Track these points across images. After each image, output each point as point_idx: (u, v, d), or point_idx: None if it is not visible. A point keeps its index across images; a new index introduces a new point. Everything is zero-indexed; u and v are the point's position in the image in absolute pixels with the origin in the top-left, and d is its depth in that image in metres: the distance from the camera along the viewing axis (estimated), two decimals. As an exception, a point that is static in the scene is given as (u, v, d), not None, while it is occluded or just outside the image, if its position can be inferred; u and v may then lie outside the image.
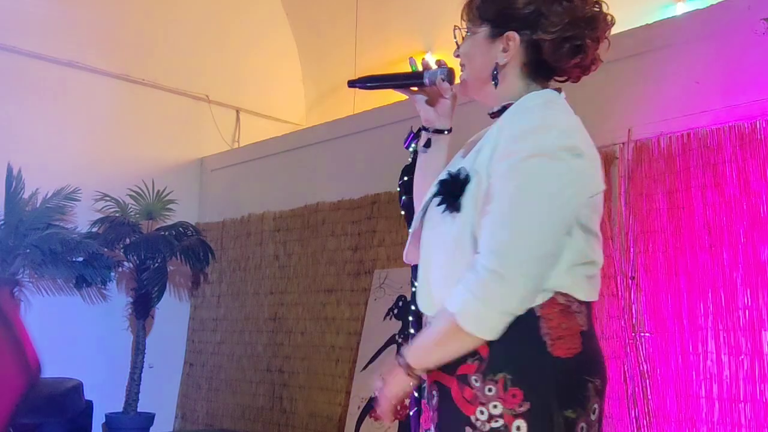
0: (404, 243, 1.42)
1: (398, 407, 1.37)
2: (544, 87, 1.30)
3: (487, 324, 1.12)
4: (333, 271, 4.74)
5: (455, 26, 1.38)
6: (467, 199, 1.19)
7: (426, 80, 1.41)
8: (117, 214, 5.15)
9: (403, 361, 1.23)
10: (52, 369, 4.52)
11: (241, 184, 5.74)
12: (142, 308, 5.08)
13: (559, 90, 1.31)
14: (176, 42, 5.81)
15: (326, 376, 4.60)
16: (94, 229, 5.04)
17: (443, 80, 1.39)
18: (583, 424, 1.15)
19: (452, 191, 1.21)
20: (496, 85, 1.28)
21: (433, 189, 1.28)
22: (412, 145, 2.31)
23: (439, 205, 1.24)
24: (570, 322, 1.16)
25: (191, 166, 5.98)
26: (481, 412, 1.13)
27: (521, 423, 1.11)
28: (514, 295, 1.11)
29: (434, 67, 1.42)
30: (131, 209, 5.24)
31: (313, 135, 5.26)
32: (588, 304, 1.21)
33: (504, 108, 1.29)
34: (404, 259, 1.40)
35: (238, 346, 5.32)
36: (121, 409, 5.01)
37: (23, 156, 4.63)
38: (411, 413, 2.15)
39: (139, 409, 5.02)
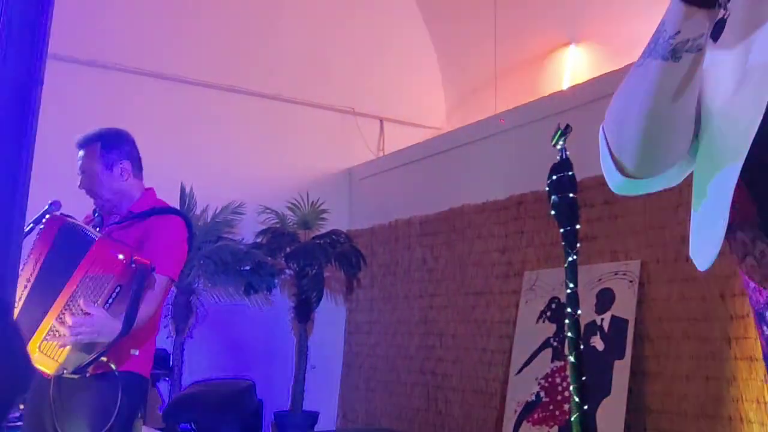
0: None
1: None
2: None
3: None
4: (481, 273, 4.71)
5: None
6: None
7: None
8: (277, 225, 5.52)
9: None
10: (227, 370, 4.96)
11: (387, 191, 5.90)
12: (303, 312, 5.39)
13: None
14: (323, 61, 6.13)
15: (479, 379, 4.58)
16: (258, 240, 5.43)
17: None
18: None
19: None
20: None
21: None
22: (560, 142, 2.25)
23: None
24: None
25: (341, 176, 6.26)
26: None
27: None
28: None
29: None
30: (289, 220, 5.59)
31: (455, 138, 5.28)
32: None
33: None
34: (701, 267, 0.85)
35: (392, 348, 5.46)
36: (287, 408, 5.34)
37: (194, 175, 5.11)
38: (572, 419, 2.09)
39: (304, 408, 5.32)
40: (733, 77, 0.73)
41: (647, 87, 0.74)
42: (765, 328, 0.82)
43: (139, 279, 1.88)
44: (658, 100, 0.74)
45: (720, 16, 0.71)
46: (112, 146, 2.16)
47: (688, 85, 0.73)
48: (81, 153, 2.17)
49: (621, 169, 0.83)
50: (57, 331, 1.87)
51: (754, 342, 3.10)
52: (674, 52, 0.71)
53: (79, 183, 2.16)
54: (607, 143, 0.83)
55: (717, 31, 0.72)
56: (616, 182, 0.85)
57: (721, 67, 0.75)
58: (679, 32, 0.71)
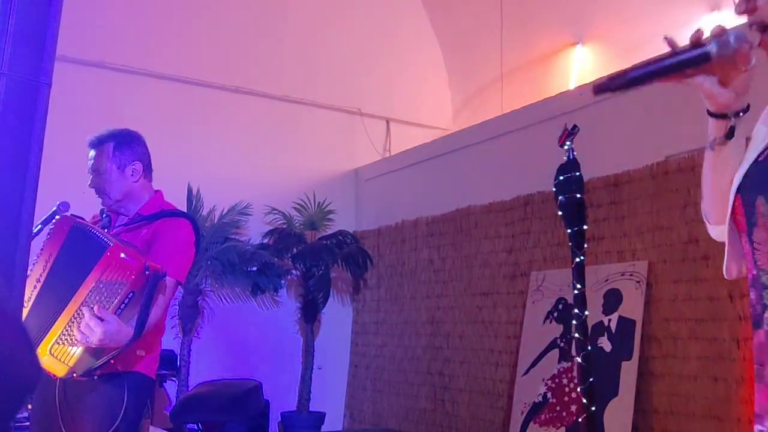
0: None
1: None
2: None
3: None
4: (488, 273, 4.71)
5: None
6: None
7: (714, 52, 1.01)
8: (284, 226, 5.53)
9: None
10: (234, 371, 4.97)
11: (394, 192, 5.90)
12: (310, 313, 5.40)
13: None
14: (329, 62, 6.14)
15: (487, 379, 4.57)
16: (265, 241, 5.45)
17: (745, 45, 1.01)
18: None
19: None
20: None
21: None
22: (567, 143, 2.24)
23: None
24: None
25: (347, 177, 6.26)
26: None
27: None
28: None
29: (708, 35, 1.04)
30: (296, 221, 5.60)
31: (462, 139, 5.28)
32: None
33: None
34: (725, 274, 1.15)
35: (399, 348, 5.46)
36: (294, 408, 5.35)
37: (201, 176, 5.13)
38: (579, 419, 2.08)
39: (310, 409, 5.33)
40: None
41: (705, 166, 1.18)
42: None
43: (151, 285, 1.88)
44: (712, 173, 1.16)
45: (731, 124, 1.10)
46: (124, 147, 2.17)
47: (727, 162, 1.14)
48: (92, 153, 2.17)
49: (707, 220, 1.20)
50: (69, 335, 1.87)
51: (763, 343, 3.08)
52: (710, 145, 1.14)
53: (89, 182, 2.17)
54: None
55: (730, 133, 1.11)
56: (709, 231, 1.20)
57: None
58: (711, 133, 1.13)
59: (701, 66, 1.02)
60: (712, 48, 1.00)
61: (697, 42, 1.01)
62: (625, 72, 1.01)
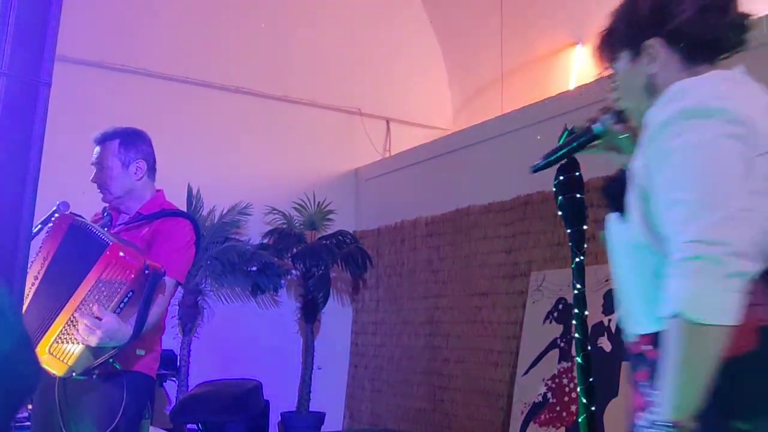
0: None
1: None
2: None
3: (716, 301, 0.97)
4: (487, 274, 4.71)
5: (597, 78, 1.40)
6: (633, 199, 1.15)
7: (597, 131, 1.42)
8: (284, 226, 5.53)
9: (667, 427, 1.00)
10: (234, 371, 4.97)
11: (393, 192, 5.90)
12: (310, 313, 5.40)
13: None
14: (329, 62, 6.14)
15: (486, 380, 4.57)
16: (265, 241, 5.45)
17: (614, 123, 1.38)
18: None
19: (614, 193, 1.22)
20: (655, 94, 1.19)
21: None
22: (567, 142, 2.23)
23: (610, 212, 1.24)
24: (744, 316, 1.00)
25: (347, 177, 6.26)
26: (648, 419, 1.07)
27: None
28: (728, 249, 0.97)
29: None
30: (296, 221, 5.60)
31: (461, 139, 5.28)
32: None
33: None
34: None
35: (398, 348, 5.46)
36: (294, 409, 5.35)
37: (200, 176, 5.13)
38: (579, 420, 2.08)
39: (310, 409, 5.33)
40: None
41: None
42: None
43: (151, 284, 1.88)
44: None
45: None
46: (130, 144, 2.17)
47: None
48: (98, 148, 2.17)
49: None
50: (68, 334, 1.87)
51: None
52: None
53: (91, 176, 2.17)
54: None
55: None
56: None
57: None
58: None
59: (596, 140, 1.44)
60: (594, 129, 1.42)
61: (589, 123, 1.43)
62: (548, 154, 1.52)
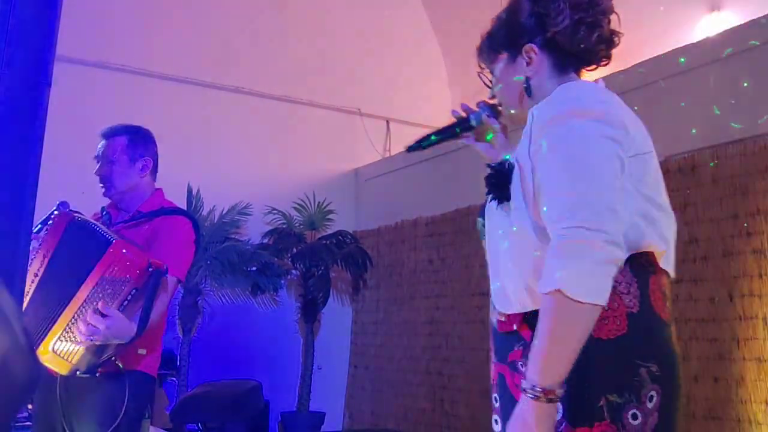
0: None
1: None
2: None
3: (593, 282, 1.07)
4: (487, 274, 4.70)
5: (478, 72, 1.52)
6: (515, 187, 1.26)
7: (473, 122, 1.59)
8: (284, 226, 5.53)
9: (535, 391, 1.09)
10: (234, 371, 4.97)
11: (393, 192, 5.90)
12: (310, 313, 5.40)
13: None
14: (329, 62, 6.14)
15: (486, 379, 4.56)
16: (265, 241, 5.45)
17: (488, 116, 1.58)
18: (634, 411, 1.13)
19: (498, 183, 1.33)
20: (530, 94, 1.37)
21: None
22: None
23: (491, 201, 1.37)
24: (613, 303, 1.14)
25: (347, 177, 6.26)
26: None
27: (559, 406, 1.11)
28: (606, 237, 1.08)
29: (476, 109, 1.57)
30: (296, 220, 5.60)
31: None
32: (642, 283, 1.20)
33: None
34: None
35: (398, 349, 5.46)
36: (294, 408, 5.35)
37: (201, 176, 5.13)
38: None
39: (310, 409, 5.33)
40: None
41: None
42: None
43: (155, 282, 1.88)
44: None
45: None
46: (138, 142, 2.18)
47: None
48: (104, 142, 2.17)
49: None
50: (72, 332, 1.86)
51: (763, 343, 3.09)
52: None
53: (95, 170, 2.16)
54: None
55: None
56: None
57: None
58: None
59: (471, 130, 1.61)
60: (471, 119, 1.59)
61: (467, 113, 1.59)
62: (425, 136, 1.59)
